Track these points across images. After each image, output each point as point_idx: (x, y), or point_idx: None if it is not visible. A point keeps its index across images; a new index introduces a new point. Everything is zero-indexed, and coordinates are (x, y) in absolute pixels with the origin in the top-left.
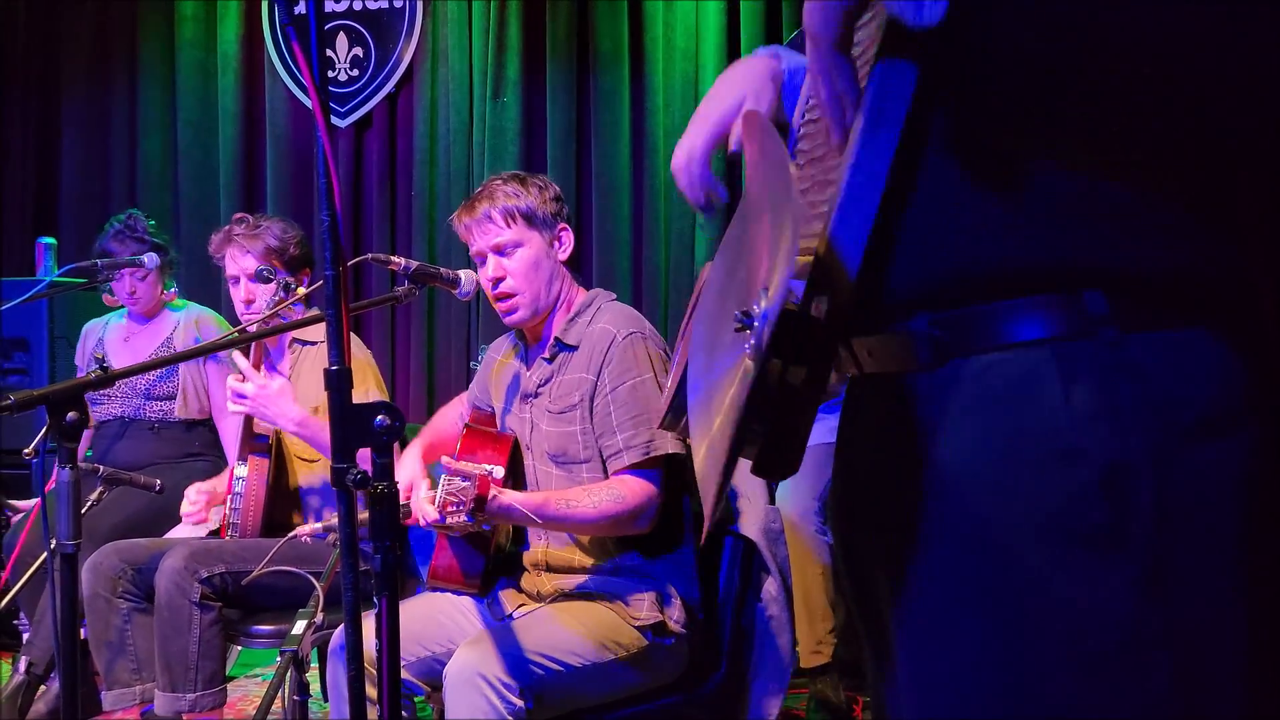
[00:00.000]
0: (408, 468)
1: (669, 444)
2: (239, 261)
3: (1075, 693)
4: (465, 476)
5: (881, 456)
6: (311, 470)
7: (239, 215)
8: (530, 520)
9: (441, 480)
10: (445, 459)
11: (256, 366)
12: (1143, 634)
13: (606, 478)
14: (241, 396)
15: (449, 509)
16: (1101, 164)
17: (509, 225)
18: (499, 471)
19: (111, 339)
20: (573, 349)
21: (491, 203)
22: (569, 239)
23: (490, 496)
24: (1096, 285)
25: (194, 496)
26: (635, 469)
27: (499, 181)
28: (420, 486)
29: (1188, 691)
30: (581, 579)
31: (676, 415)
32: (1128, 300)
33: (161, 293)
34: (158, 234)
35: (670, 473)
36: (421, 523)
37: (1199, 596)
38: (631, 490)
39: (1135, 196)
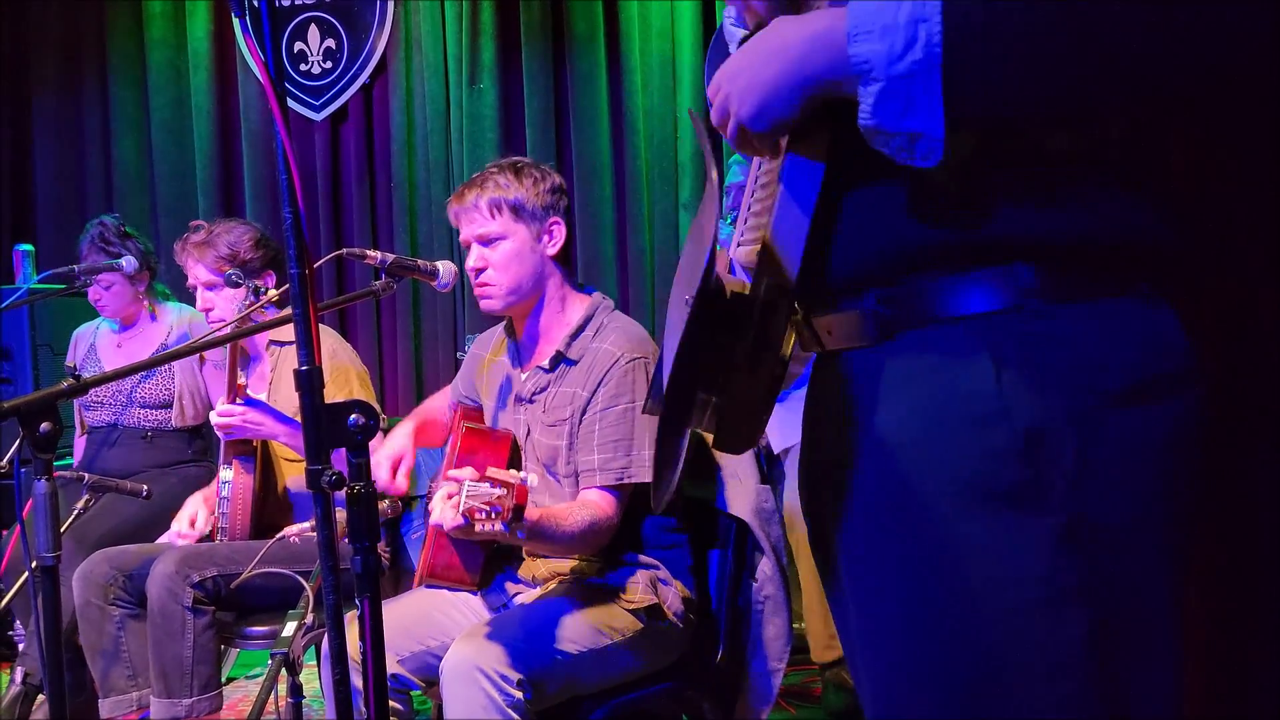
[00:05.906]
0: (397, 441)
1: (644, 472)
2: (193, 272)
3: (996, 643)
4: (495, 483)
5: (837, 428)
6: (298, 471)
7: (195, 223)
8: (545, 533)
9: (465, 486)
10: (469, 470)
11: (235, 370)
12: (1058, 587)
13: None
14: (231, 427)
15: (477, 515)
16: (1027, 142)
17: (494, 217)
18: (533, 479)
19: (104, 344)
20: (574, 363)
21: (481, 192)
22: (560, 233)
23: (527, 505)
24: (1027, 258)
25: (185, 529)
26: (604, 490)
27: (494, 170)
28: (408, 457)
29: (1104, 644)
30: (577, 563)
31: (656, 400)
32: (1057, 271)
33: (146, 297)
34: (133, 236)
35: (638, 493)
36: (446, 528)
37: (1120, 555)
38: (601, 510)
39: (1062, 171)
